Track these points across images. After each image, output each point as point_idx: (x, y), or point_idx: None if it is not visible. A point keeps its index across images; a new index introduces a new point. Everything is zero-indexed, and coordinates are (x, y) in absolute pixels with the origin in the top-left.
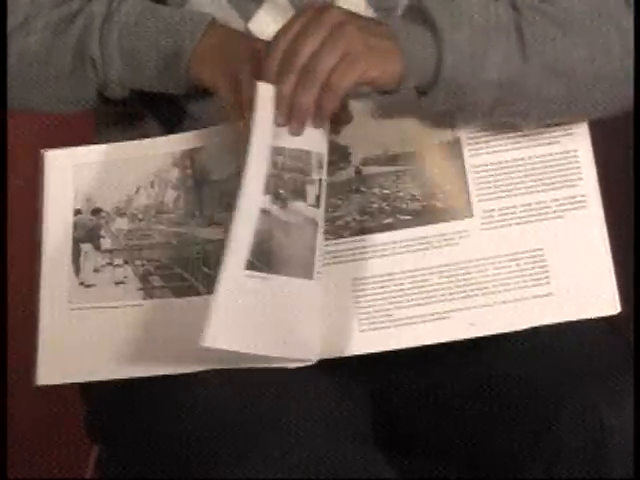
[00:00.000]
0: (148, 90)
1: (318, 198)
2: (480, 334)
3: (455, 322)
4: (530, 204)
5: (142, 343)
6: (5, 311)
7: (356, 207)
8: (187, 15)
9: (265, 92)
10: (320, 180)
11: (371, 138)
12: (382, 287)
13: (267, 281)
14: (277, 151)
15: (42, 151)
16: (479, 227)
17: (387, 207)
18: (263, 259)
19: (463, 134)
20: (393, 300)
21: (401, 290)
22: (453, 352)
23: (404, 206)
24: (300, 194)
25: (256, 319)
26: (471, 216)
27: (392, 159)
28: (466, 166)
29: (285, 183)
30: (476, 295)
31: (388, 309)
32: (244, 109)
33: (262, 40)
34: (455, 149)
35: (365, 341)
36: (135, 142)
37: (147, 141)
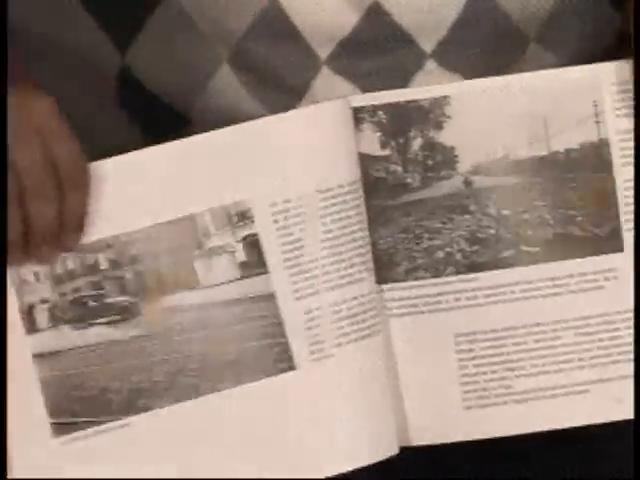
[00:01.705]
0: None
1: (247, 265)
2: (630, 415)
3: (597, 397)
4: None
5: None
6: (5, 311)
7: (464, 233)
8: None
9: None
10: (246, 238)
11: (487, 137)
12: (497, 347)
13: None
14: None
15: None
16: (632, 265)
17: (507, 234)
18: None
19: (614, 132)
20: (513, 365)
21: (524, 351)
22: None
23: (530, 233)
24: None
25: None
26: (621, 249)
27: (515, 167)
28: (617, 180)
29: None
30: (626, 361)
31: (505, 378)
32: None
33: None
34: (602, 154)
35: (473, 422)
36: None
37: None
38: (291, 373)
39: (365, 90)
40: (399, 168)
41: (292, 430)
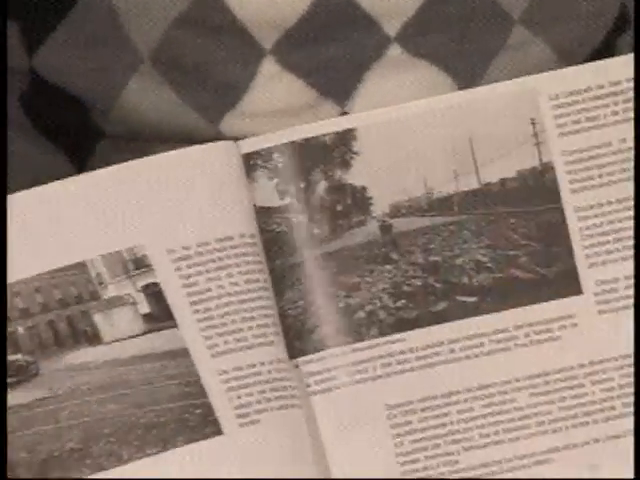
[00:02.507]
0: None
1: (152, 317)
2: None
3: (563, 466)
4: None
5: None
6: (5, 311)
7: (386, 287)
8: None
9: None
10: (148, 287)
11: (404, 172)
12: (438, 417)
13: None
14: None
15: None
16: (594, 309)
17: (438, 284)
18: None
19: (558, 154)
20: (458, 437)
21: (470, 420)
22: None
23: (465, 280)
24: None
25: None
26: (579, 292)
27: (441, 205)
28: (565, 210)
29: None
30: (596, 422)
31: (449, 453)
32: None
33: None
34: (546, 182)
35: None
36: None
37: None
38: (218, 438)
39: (314, 86)
40: (303, 218)
41: None
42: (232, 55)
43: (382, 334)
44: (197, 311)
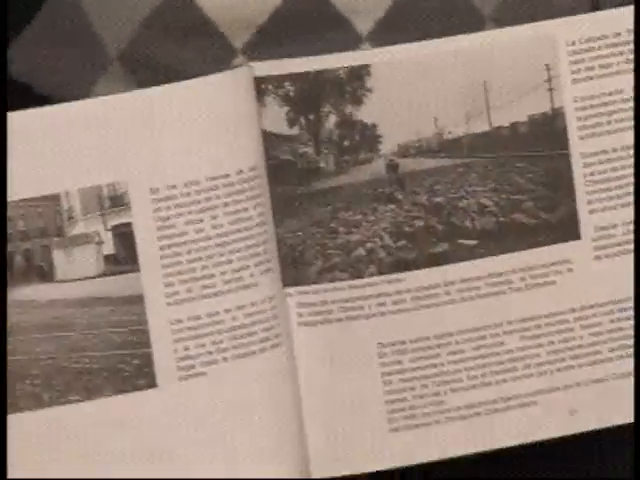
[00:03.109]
0: None
1: (114, 259)
2: (587, 427)
3: (546, 410)
4: None
5: None
6: (4, 311)
7: (388, 226)
8: None
9: None
10: (118, 227)
11: (415, 112)
12: (428, 358)
13: None
14: None
15: None
16: (590, 255)
17: (440, 226)
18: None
19: (570, 100)
20: (447, 378)
21: (460, 362)
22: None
23: (468, 224)
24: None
25: None
26: (577, 237)
27: (450, 146)
28: (572, 156)
29: None
30: (580, 365)
31: (437, 393)
32: None
33: None
34: (556, 127)
35: (400, 447)
36: None
37: None
38: (151, 391)
39: None
40: (310, 150)
41: (146, 449)
42: (203, 55)
43: (380, 273)
44: (164, 256)
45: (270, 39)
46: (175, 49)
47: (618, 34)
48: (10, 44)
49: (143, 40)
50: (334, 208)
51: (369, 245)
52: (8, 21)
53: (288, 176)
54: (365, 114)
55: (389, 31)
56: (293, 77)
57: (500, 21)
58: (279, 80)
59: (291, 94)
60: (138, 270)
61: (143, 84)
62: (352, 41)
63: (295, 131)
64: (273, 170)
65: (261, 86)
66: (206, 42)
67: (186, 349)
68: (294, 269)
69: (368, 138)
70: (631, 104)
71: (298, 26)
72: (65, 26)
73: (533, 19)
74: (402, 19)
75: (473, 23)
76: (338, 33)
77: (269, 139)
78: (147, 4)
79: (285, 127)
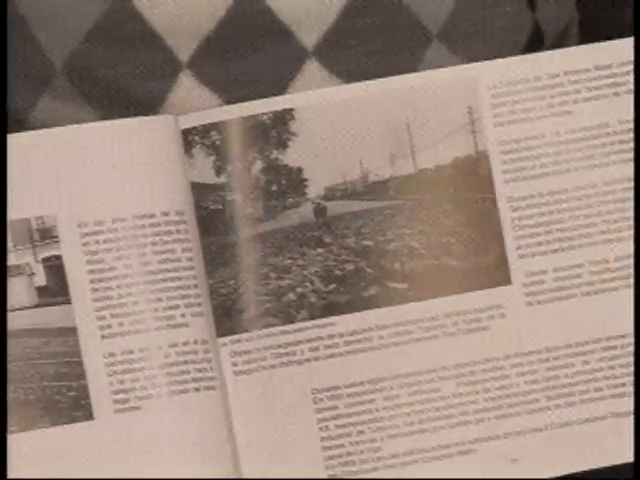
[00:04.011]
0: None
1: (47, 291)
2: (527, 476)
3: (485, 458)
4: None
5: None
6: (4, 311)
7: (318, 270)
8: None
9: None
10: (49, 260)
11: (340, 155)
12: (363, 403)
13: None
14: None
15: None
16: (522, 300)
17: (370, 269)
18: None
19: (494, 144)
20: (382, 424)
21: (396, 407)
22: None
23: (397, 267)
24: None
25: None
26: (508, 282)
27: (376, 189)
28: (498, 200)
29: None
30: (519, 414)
31: (373, 440)
32: None
33: None
34: (480, 170)
35: None
36: None
37: None
38: (88, 423)
39: (232, 102)
40: (238, 197)
41: None
42: (147, 68)
43: (312, 317)
44: (95, 290)
45: (216, 50)
46: (117, 62)
47: (539, 78)
48: None
49: (86, 52)
50: (264, 254)
51: (299, 290)
52: None
53: (218, 225)
54: (291, 158)
55: (333, 47)
56: (219, 126)
57: (447, 39)
58: (205, 130)
59: (217, 143)
60: (70, 302)
61: (88, 97)
62: (297, 57)
63: (222, 179)
64: (202, 220)
65: (188, 138)
66: (150, 54)
67: (121, 382)
68: (227, 319)
69: (294, 182)
70: (554, 149)
71: (243, 37)
72: (9, 37)
73: (481, 37)
74: (346, 34)
75: (419, 40)
76: (281, 48)
77: (197, 189)
78: (90, 15)
79: (212, 176)
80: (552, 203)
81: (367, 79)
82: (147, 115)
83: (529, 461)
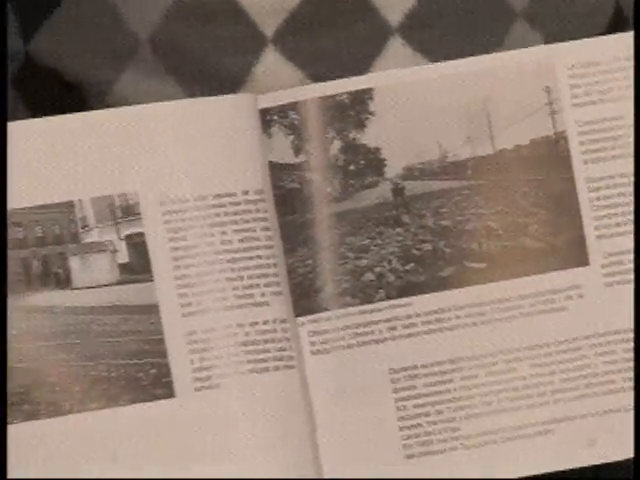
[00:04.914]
0: None
1: (129, 268)
2: (606, 459)
3: (563, 439)
4: None
5: None
6: (4, 311)
7: (396, 250)
8: None
9: None
10: (132, 237)
11: (419, 135)
12: (442, 383)
13: None
14: None
15: None
16: (600, 281)
17: (448, 249)
18: None
19: (572, 124)
20: (461, 404)
21: (472, 387)
22: None
23: (475, 247)
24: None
25: None
26: (586, 263)
27: (454, 169)
28: (577, 180)
29: None
30: (596, 394)
31: (452, 419)
32: None
33: None
34: (559, 151)
35: (416, 474)
36: None
37: None
38: (169, 401)
39: (315, 79)
40: (316, 176)
41: (162, 458)
42: (231, 43)
43: (389, 297)
44: (177, 267)
45: (300, 26)
46: (202, 36)
47: (617, 59)
48: (37, 31)
49: (171, 26)
50: (342, 233)
51: (377, 269)
52: (34, 8)
53: (295, 204)
54: (369, 138)
55: (418, 24)
56: (297, 106)
57: (530, 17)
58: (284, 110)
59: (295, 122)
60: (152, 280)
61: (171, 71)
62: (381, 34)
63: (301, 159)
64: (281, 199)
65: (266, 117)
66: (235, 30)
67: (201, 360)
68: (305, 298)
69: (372, 162)
70: (632, 130)
71: (328, 13)
72: (91, 12)
73: (563, 18)
74: (430, 11)
75: (503, 18)
76: (365, 25)
77: (275, 169)
78: None
79: (291, 155)
80: (631, 184)
81: (449, 57)
82: (231, 89)
83: (606, 442)
